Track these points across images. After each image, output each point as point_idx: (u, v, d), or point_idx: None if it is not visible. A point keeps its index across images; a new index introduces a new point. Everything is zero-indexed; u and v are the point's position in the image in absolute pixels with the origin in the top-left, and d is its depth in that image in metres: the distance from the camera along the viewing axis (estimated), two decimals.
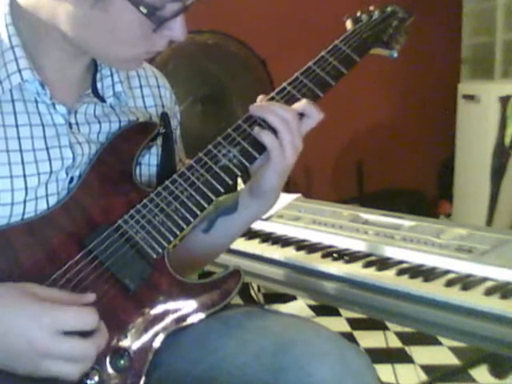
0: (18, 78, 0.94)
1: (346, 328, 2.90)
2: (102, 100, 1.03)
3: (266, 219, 1.54)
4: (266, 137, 0.99)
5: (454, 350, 2.65)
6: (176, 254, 1.05)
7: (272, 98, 1.03)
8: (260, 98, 1.04)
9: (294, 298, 3.08)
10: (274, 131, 0.99)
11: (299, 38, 3.52)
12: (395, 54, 1.19)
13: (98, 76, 1.04)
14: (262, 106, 1.02)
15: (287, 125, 0.98)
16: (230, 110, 2.98)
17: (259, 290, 3.07)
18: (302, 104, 1.02)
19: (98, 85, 1.03)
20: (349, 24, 1.17)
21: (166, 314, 0.94)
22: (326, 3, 3.58)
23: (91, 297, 0.87)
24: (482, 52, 3.69)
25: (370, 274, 1.25)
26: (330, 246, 1.42)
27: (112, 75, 1.04)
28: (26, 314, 0.81)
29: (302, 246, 1.43)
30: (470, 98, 3.54)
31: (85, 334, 0.82)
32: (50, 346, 0.80)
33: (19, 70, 0.94)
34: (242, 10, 3.52)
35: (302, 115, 1.01)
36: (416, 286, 1.19)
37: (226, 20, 3.19)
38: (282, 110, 1.00)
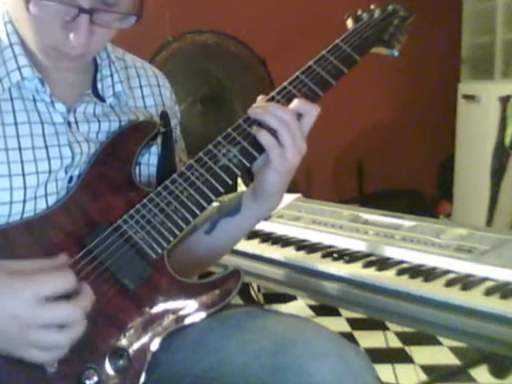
0: (17, 76, 0.94)
1: (346, 328, 2.90)
2: (102, 100, 1.03)
3: (266, 219, 1.54)
4: (263, 137, 0.98)
5: (454, 350, 2.65)
6: (179, 256, 1.05)
7: (272, 98, 1.03)
8: (260, 97, 1.04)
9: (294, 297, 3.08)
10: (273, 132, 0.98)
11: (299, 38, 3.51)
12: (396, 53, 1.18)
13: (99, 76, 1.03)
14: (260, 107, 1.01)
15: (287, 126, 0.98)
16: (230, 110, 2.98)
17: (259, 289, 3.07)
18: (294, 104, 1.00)
19: (99, 85, 1.03)
20: (349, 23, 1.17)
21: (165, 313, 0.94)
22: (326, 3, 3.58)
23: (63, 258, 0.87)
24: (481, 52, 3.69)
25: (370, 274, 1.25)
26: (330, 246, 1.42)
27: (112, 75, 1.04)
28: (4, 290, 0.80)
29: (302, 245, 1.43)
30: (470, 98, 3.54)
31: (69, 298, 0.82)
32: (34, 316, 0.80)
33: (19, 68, 0.94)
34: (242, 10, 3.51)
35: (300, 115, 1.01)
36: (416, 286, 1.19)
37: (226, 20, 3.19)
38: (281, 111, 0.99)
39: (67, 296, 0.82)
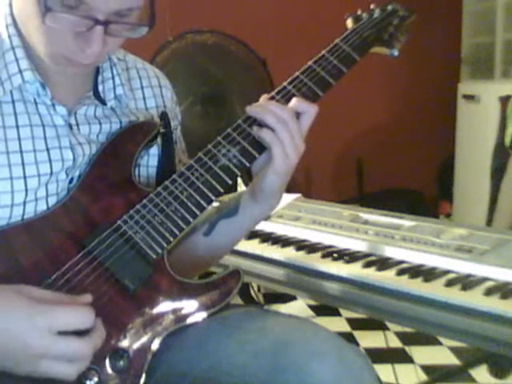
0: (19, 79, 0.94)
1: (346, 328, 2.90)
2: (103, 103, 1.03)
3: (266, 219, 1.54)
4: (265, 134, 0.98)
5: (454, 350, 2.65)
6: (178, 257, 1.05)
7: (272, 98, 1.03)
8: (263, 98, 1.03)
9: (294, 298, 3.08)
10: (273, 131, 0.98)
11: (299, 37, 3.52)
12: (396, 53, 1.18)
13: (100, 78, 1.03)
14: (258, 106, 1.01)
15: (285, 124, 0.98)
16: (230, 110, 2.98)
17: (259, 289, 3.07)
18: (293, 103, 1.01)
19: (100, 87, 1.03)
20: (349, 22, 1.17)
21: (165, 314, 0.94)
22: (326, 3, 3.58)
23: (87, 298, 0.87)
24: (482, 52, 3.69)
25: (370, 274, 1.25)
26: (330, 246, 1.42)
27: (113, 78, 1.04)
28: (20, 315, 0.80)
29: (302, 245, 1.43)
30: (470, 98, 3.54)
31: (81, 334, 0.82)
32: (45, 347, 0.80)
33: (20, 71, 0.94)
34: (242, 10, 3.52)
35: (298, 114, 1.01)
36: (416, 286, 1.19)
37: (226, 20, 3.19)
38: (279, 109, 0.99)
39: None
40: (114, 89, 1.04)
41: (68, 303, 0.84)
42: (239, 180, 1.67)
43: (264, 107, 1.00)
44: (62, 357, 0.81)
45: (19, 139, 0.93)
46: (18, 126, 0.94)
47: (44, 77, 0.96)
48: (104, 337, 0.85)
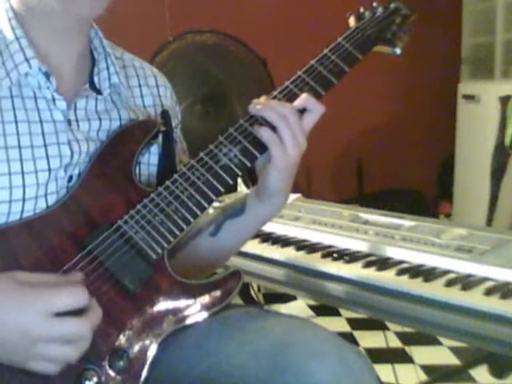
0: (26, 67, 0.94)
1: (346, 328, 2.90)
2: (99, 93, 1.03)
3: None
4: (263, 133, 0.98)
5: (454, 349, 2.65)
6: (185, 259, 1.05)
7: (274, 97, 1.03)
8: (263, 98, 1.03)
9: (294, 298, 3.08)
10: (274, 128, 0.98)
11: (299, 38, 3.51)
12: (398, 51, 1.18)
13: (96, 70, 1.04)
14: (259, 103, 1.01)
15: (286, 120, 0.97)
16: (229, 109, 2.98)
17: (259, 289, 3.06)
18: (301, 98, 1.01)
19: (95, 79, 1.03)
20: (352, 21, 1.16)
21: (165, 314, 0.94)
22: (327, 2, 3.58)
23: (78, 275, 0.87)
24: (482, 52, 3.69)
25: (370, 274, 1.25)
26: (330, 246, 1.42)
27: (108, 68, 1.04)
28: (15, 302, 0.80)
29: (302, 245, 1.43)
30: (470, 98, 3.54)
31: (78, 314, 0.82)
32: (44, 330, 0.80)
33: (27, 59, 0.95)
34: (242, 10, 3.51)
35: (303, 112, 1.01)
36: (416, 286, 1.19)
37: (226, 20, 3.19)
38: (280, 105, 0.99)
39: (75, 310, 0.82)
40: (108, 78, 1.04)
41: (62, 284, 0.84)
42: (239, 180, 1.67)
43: (265, 104, 1.00)
44: (62, 338, 0.81)
45: (18, 134, 0.93)
46: (16, 122, 0.94)
47: (47, 66, 0.96)
48: (101, 315, 0.85)
